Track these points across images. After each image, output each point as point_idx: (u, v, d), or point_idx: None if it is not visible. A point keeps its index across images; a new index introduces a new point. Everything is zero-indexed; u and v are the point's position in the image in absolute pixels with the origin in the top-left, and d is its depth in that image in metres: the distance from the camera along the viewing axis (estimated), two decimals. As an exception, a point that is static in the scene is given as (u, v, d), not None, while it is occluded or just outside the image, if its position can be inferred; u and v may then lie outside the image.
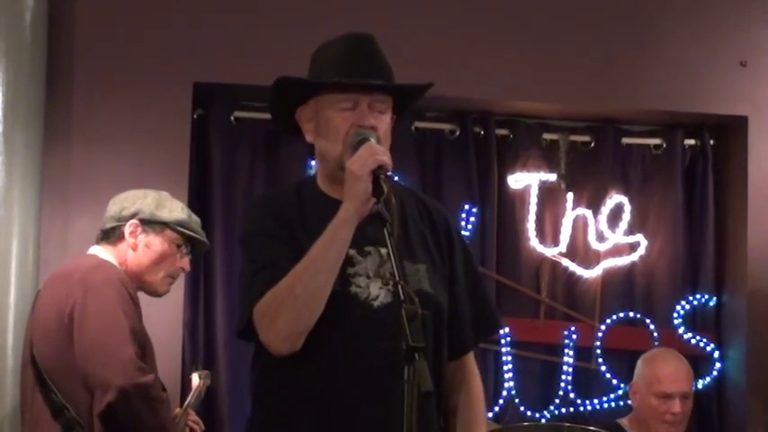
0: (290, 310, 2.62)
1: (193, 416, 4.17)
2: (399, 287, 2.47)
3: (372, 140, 2.70)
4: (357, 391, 2.68)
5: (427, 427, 2.64)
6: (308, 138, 2.85)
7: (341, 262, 2.66)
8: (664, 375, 4.58)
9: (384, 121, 2.78)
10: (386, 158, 2.64)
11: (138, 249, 3.91)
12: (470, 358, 2.94)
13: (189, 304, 5.13)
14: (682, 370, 4.63)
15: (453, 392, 2.89)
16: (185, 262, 4.00)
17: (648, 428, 4.61)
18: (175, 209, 3.98)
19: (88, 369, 3.61)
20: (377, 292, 2.70)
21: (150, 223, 3.92)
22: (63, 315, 3.68)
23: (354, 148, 2.69)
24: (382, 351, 2.47)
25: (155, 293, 4.01)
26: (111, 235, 3.94)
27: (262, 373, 2.79)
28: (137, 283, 3.89)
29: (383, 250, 2.66)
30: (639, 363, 4.74)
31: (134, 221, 3.92)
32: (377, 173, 2.61)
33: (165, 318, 4.67)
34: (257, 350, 2.77)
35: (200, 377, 4.43)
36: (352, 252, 2.70)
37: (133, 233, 3.91)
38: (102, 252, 3.92)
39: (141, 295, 3.91)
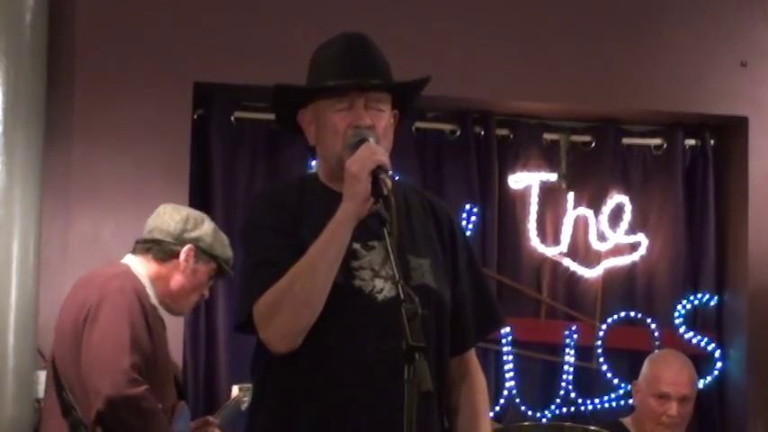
0: (289, 308, 2.62)
1: (214, 430, 4.18)
2: (399, 286, 2.47)
3: (371, 140, 2.71)
4: (358, 388, 2.67)
5: (428, 427, 2.64)
6: (310, 140, 2.86)
7: (339, 261, 2.66)
8: (664, 376, 4.56)
9: (382, 118, 2.78)
10: (384, 158, 2.64)
11: (186, 273, 3.92)
12: (472, 354, 2.93)
13: (189, 304, 5.13)
14: (683, 372, 4.59)
15: (456, 388, 2.88)
16: (207, 291, 4.07)
17: (645, 429, 4.60)
18: (225, 244, 4.02)
19: (86, 374, 3.67)
20: (381, 286, 2.69)
21: (204, 253, 3.94)
22: (78, 319, 3.73)
23: (353, 148, 2.69)
24: (384, 350, 2.48)
25: (180, 314, 4.10)
26: (159, 250, 3.91)
27: (262, 371, 2.79)
28: (168, 301, 3.94)
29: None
30: (645, 362, 4.74)
31: (192, 246, 3.93)
32: (376, 173, 2.61)
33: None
34: (258, 347, 2.77)
35: (239, 389, 4.43)
36: (357, 246, 2.70)
37: (188, 258, 3.92)
38: (137, 264, 3.90)
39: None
